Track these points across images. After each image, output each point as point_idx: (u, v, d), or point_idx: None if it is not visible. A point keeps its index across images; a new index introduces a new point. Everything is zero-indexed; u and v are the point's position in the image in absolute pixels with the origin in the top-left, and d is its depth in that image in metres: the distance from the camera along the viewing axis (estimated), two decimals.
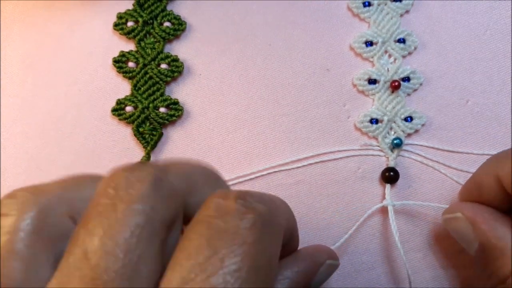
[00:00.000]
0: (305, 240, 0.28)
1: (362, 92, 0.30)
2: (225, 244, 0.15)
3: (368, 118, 0.30)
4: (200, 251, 0.15)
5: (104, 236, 0.15)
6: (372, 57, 0.30)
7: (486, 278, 0.23)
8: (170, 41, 0.31)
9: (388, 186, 0.29)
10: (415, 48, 0.30)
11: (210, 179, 0.19)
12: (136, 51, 0.30)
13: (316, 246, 0.25)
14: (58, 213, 0.16)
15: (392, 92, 0.30)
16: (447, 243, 0.28)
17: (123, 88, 0.30)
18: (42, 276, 0.15)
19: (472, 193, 0.25)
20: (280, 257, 0.20)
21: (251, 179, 0.29)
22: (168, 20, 0.31)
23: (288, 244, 0.21)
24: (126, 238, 0.15)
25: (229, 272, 0.14)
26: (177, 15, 0.31)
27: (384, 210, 0.29)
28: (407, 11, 0.31)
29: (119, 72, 0.30)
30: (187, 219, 0.17)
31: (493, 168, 0.24)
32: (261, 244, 0.15)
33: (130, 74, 0.30)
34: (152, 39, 0.31)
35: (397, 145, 0.29)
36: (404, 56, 0.30)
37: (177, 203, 0.16)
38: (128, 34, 0.31)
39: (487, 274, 0.23)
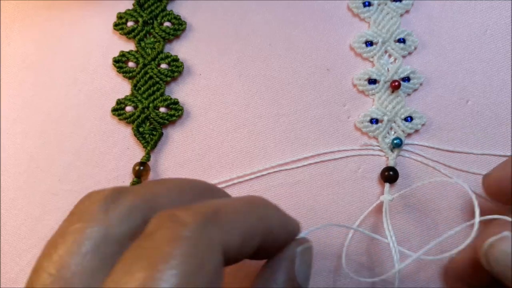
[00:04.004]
0: None
1: (362, 92, 0.30)
2: (154, 261, 0.16)
3: (368, 118, 0.30)
4: (131, 269, 0.16)
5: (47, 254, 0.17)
6: (372, 57, 0.30)
7: None
8: (170, 41, 0.31)
9: (387, 184, 0.29)
10: (415, 48, 0.30)
11: (178, 192, 0.19)
12: (136, 51, 0.30)
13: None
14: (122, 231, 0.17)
15: (392, 92, 0.30)
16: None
17: (123, 88, 0.30)
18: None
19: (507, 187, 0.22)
20: (273, 252, 0.21)
21: (251, 179, 0.29)
22: (168, 20, 0.31)
23: (276, 241, 0.21)
24: (60, 255, 0.17)
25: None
26: (177, 15, 0.31)
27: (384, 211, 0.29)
28: (407, 11, 0.31)
29: (119, 72, 0.30)
30: None
31: None
32: (192, 259, 0.16)
33: (130, 74, 0.30)
34: (152, 39, 0.31)
35: (397, 145, 0.29)
36: (404, 56, 0.30)
37: (131, 221, 0.17)
38: (128, 34, 0.31)
39: None
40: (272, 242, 0.20)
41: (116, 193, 0.18)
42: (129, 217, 0.18)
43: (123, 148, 0.30)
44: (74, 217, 0.18)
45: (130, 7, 0.31)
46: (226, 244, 0.17)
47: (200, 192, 0.20)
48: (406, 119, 0.30)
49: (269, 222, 0.20)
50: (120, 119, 0.30)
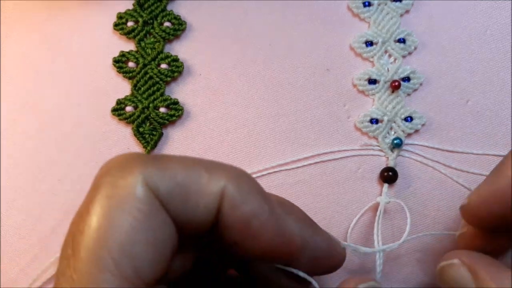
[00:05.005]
0: None
1: (362, 92, 0.30)
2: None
3: (368, 118, 0.30)
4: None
5: None
6: (372, 57, 0.30)
7: None
8: (170, 41, 0.31)
9: (385, 185, 0.29)
10: (415, 48, 0.30)
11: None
12: (136, 51, 0.30)
13: (345, 280, 0.23)
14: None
15: (392, 92, 0.30)
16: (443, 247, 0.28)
17: (123, 88, 0.30)
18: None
19: (494, 205, 0.22)
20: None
21: None
22: (168, 20, 0.31)
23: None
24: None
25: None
26: (177, 15, 0.31)
27: (384, 211, 0.29)
28: (407, 11, 0.31)
29: (119, 72, 0.30)
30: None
31: None
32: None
33: (130, 74, 0.30)
34: (152, 39, 0.31)
35: (397, 145, 0.29)
36: (404, 56, 0.30)
37: None
38: (128, 34, 0.31)
39: None
40: (237, 222, 0.19)
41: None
42: None
43: (123, 148, 0.30)
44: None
45: (130, 7, 0.31)
46: (158, 186, 0.18)
47: None
48: (406, 119, 0.30)
49: (226, 185, 0.18)
50: (120, 119, 0.30)
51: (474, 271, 0.21)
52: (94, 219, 0.17)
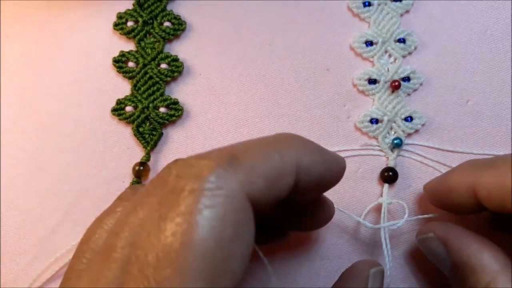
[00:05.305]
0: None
1: (362, 92, 0.30)
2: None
3: (368, 118, 0.30)
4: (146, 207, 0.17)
5: None
6: (372, 57, 0.30)
7: None
8: (170, 41, 0.31)
9: (386, 185, 0.29)
10: (415, 48, 0.30)
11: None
12: (136, 51, 0.30)
13: (356, 263, 0.25)
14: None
15: (392, 92, 0.30)
16: None
17: (123, 88, 0.30)
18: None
19: (441, 196, 0.25)
20: (318, 192, 0.22)
21: None
22: (168, 20, 0.31)
23: (317, 179, 0.20)
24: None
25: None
26: (177, 15, 0.31)
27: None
28: (407, 11, 0.31)
29: (119, 72, 0.30)
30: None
31: (469, 176, 0.24)
32: (200, 208, 0.16)
33: (130, 74, 0.30)
34: (152, 39, 0.31)
35: (397, 145, 0.29)
36: (404, 56, 0.30)
37: None
38: (128, 34, 0.31)
39: None
40: (312, 181, 0.20)
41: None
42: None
43: (123, 148, 0.30)
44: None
45: (130, 7, 0.31)
46: (249, 188, 0.17)
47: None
48: (406, 119, 0.30)
49: (299, 158, 0.19)
50: (120, 119, 0.30)
51: (446, 244, 0.24)
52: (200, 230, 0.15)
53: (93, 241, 0.20)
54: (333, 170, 0.21)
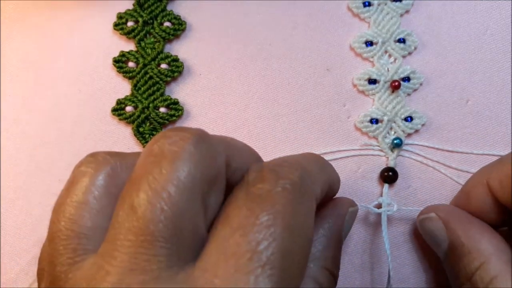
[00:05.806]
0: None
1: (362, 92, 0.30)
2: (259, 206, 0.17)
3: (368, 118, 0.30)
4: (238, 212, 0.17)
5: (149, 190, 0.16)
6: (372, 57, 0.30)
7: (454, 278, 0.24)
8: (170, 41, 0.31)
9: (386, 185, 0.29)
10: (415, 48, 0.30)
11: (248, 151, 0.21)
12: (136, 51, 0.30)
13: (336, 199, 0.26)
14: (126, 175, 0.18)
15: (392, 92, 0.30)
16: None
17: (123, 88, 0.30)
18: (106, 225, 0.17)
19: (460, 203, 0.26)
20: (322, 204, 0.24)
21: None
22: (168, 20, 0.31)
23: (330, 194, 0.24)
24: (170, 192, 0.16)
25: (263, 228, 0.16)
26: (177, 15, 0.31)
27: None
28: (407, 11, 0.31)
29: (119, 72, 0.30)
30: (229, 182, 0.19)
31: (482, 176, 0.25)
32: (292, 205, 0.17)
33: (130, 74, 0.30)
34: (152, 39, 0.31)
35: (397, 145, 0.29)
36: (404, 56, 0.30)
37: (219, 163, 0.18)
38: (128, 34, 0.31)
39: (454, 273, 0.24)
40: (328, 195, 0.23)
41: (204, 134, 0.18)
42: (217, 159, 0.18)
43: (123, 148, 0.30)
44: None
45: (130, 7, 0.31)
46: (316, 197, 0.20)
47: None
48: (406, 119, 0.30)
49: (331, 177, 0.23)
50: (120, 119, 0.30)
51: (447, 224, 0.24)
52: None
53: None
54: (335, 189, 0.24)
